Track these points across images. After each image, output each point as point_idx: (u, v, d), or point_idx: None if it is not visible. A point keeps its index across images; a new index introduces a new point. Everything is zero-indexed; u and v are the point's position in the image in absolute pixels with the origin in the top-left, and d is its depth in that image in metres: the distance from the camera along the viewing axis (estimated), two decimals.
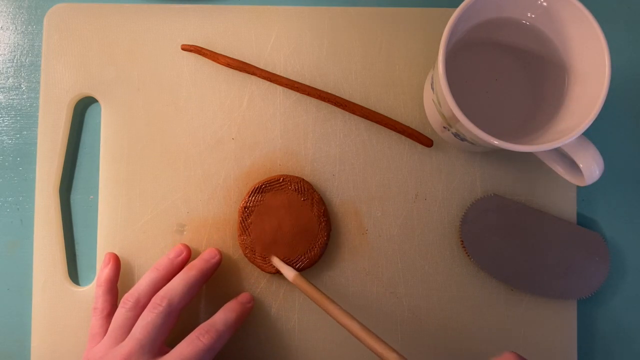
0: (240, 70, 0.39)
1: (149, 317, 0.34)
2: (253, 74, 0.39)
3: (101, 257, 0.39)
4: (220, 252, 0.38)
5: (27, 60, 0.41)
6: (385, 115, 0.39)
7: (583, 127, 0.29)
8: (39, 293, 0.39)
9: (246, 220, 0.38)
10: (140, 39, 0.40)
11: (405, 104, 0.39)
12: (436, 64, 0.30)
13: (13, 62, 0.41)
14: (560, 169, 0.35)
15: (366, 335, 0.31)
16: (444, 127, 0.36)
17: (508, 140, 0.30)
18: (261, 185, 0.38)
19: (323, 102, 0.39)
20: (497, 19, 0.33)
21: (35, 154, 0.40)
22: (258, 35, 0.40)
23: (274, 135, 0.39)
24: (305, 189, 0.38)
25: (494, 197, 0.39)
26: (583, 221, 0.40)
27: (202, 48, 0.39)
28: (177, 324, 0.36)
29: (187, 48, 0.39)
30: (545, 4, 0.32)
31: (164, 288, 0.35)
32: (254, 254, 0.38)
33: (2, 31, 0.41)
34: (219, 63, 0.39)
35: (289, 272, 0.36)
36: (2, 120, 0.41)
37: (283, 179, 0.38)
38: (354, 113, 0.39)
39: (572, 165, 0.33)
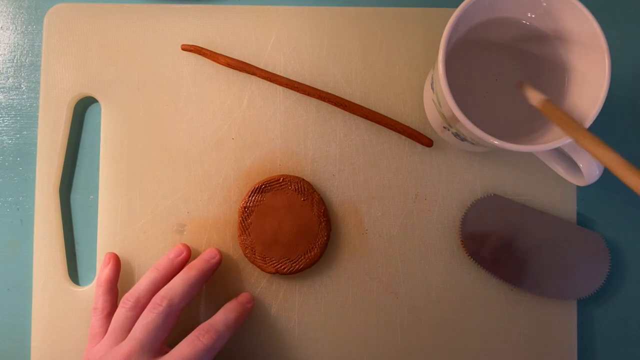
0: (240, 70, 0.39)
1: (149, 317, 0.34)
2: (253, 74, 0.39)
3: (101, 257, 0.39)
4: (220, 252, 0.38)
5: (27, 60, 0.41)
6: (385, 115, 0.39)
7: None
8: (39, 293, 0.39)
9: (246, 220, 0.38)
10: (140, 39, 0.40)
11: (405, 104, 0.39)
12: (436, 64, 0.30)
13: (13, 62, 0.41)
14: (560, 169, 0.35)
15: (627, 168, 0.25)
16: (444, 127, 0.36)
17: (508, 140, 0.30)
18: (261, 185, 0.38)
19: (323, 102, 0.39)
20: (497, 19, 0.33)
21: (35, 154, 0.40)
22: (258, 35, 0.40)
23: (274, 135, 0.39)
24: (305, 189, 0.38)
25: (494, 197, 0.39)
26: (583, 221, 0.40)
27: (202, 48, 0.39)
28: (177, 324, 0.35)
29: (187, 48, 0.39)
30: (545, 4, 0.32)
31: (164, 288, 0.35)
32: (254, 254, 0.38)
33: (2, 31, 0.41)
34: (219, 63, 0.39)
35: (535, 96, 0.31)
36: (2, 120, 0.41)
37: (283, 179, 0.38)
38: (354, 113, 0.39)
39: (572, 165, 0.33)
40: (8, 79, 0.41)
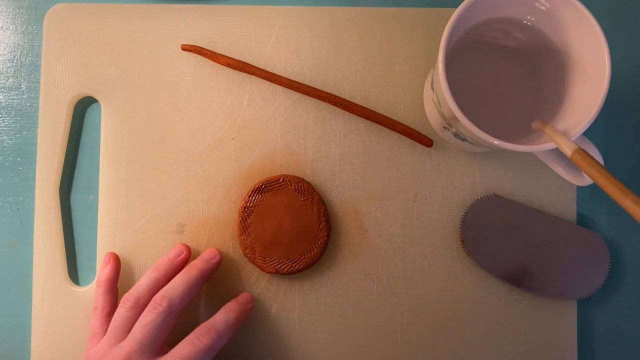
0: (240, 70, 0.39)
1: (149, 317, 0.34)
2: (253, 74, 0.39)
3: (101, 257, 0.39)
4: (220, 252, 0.38)
5: (27, 60, 0.41)
6: (385, 115, 0.39)
7: (583, 127, 0.29)
8: (39, 293, 0.39)
9: (246, 220, 0.38)
10: (140, 39, 0.40)
11: (405, 104, 0.39)
12: (436, 64, 0.30)
13: (13, 62, 0.41)
14: (560, 169, 0.35)
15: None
16: (444, 127, 0.36)
17: (508, 140, 0.30)
18: (261, 185, 0.38)
19: (323, 102, 0.39)
20: (497, 19, 0.33)
21: (35, 154, 0.40)
22: (258, 35, 0.40)
23: (274, 135, 0.39)
24: (305, 189, 0.38)
25: (494, 197, 0.39)
26: (583, 221, 0.40)
27: (202, 48, 0.39)
28: (177, 324, 0.35)
29: (187, 48, 0.39)
30: (545, 4, 0.32)
31: (164, 288, 0.35)
32: (254, 254, 0.38)
33: (2, 31, 0.41)
34: (219, 63, 0.39)
35: (567, 145, 0.29)
36: (2, 120, 0.41)
37: (283, 179, 0.38)
38: (354, 113, 0.39)
39: (572, 165, 0.33)
40: (8, 79, 0.41)
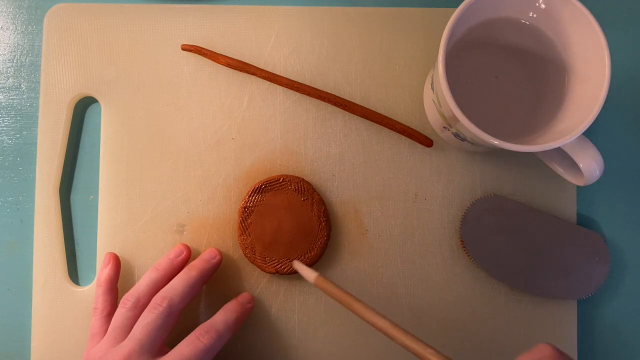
0: (240, 70, 0.39)
1: (149, 317, 0.34)
2: (253, 74, 0.39)
3: (101, 257, 0.39)
4: (220, 253, 0.38)
5: (27, 60, 0.41)
6: (385, 115, 0.39)
7: (583, 127, 0.29)
8: (39, 293, 0.39)
9: (246, 220, 0.38)
10: (140, 39, 0.40)
11: (405, 104, 0.39)
12: (436, 64, 0.30)
13: (13, 62, 0.41)
14: (560, 169, 0.35)
15: (399, 333, 0.30)
16: (444, 127, 0.36)
17: (508, 140, 0.30)
18: (261, 185, 0.38)
19: (323, 102, 0.39)
20: (497, 19, 0.33)
21: (35, 154, 0.40)
22: (258, 35, 0.40)
23: (274, 135, 0.39)
24: (305, 189, 0.38)
25: (494, 197, 0.39)
26: (583, 221, 0.40)
27: (202, 48, 0.39)
28: (177, 324, 0.35)
29: (187, 48, 0.39)
30: (545, 4, 0.32)
31: (164, 288, 0.35)
32: (254, 254, 0.38)
33: (2, 31, 0.41)
34: (219, 63, 0.39)
35: (310, 275, 0.35)
36: (2, 120, 0.41)
37: (283, 179, 0.38)
38: (354, 113, 0.39)
39: (572, 165, 0.33)
40: (8, 79, 0.41)
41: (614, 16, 0.41)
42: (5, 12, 0.41)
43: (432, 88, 0.34)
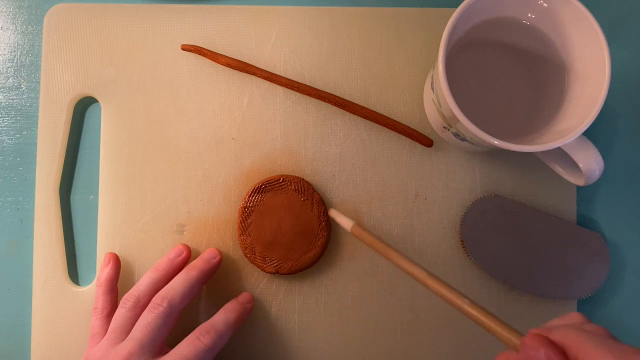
0: (240, 70, 0.39)
1: (149, 317, 0.34)
2: (253, 74, 0.39)
3: (101, 257, 0.39)
4: (220, 253, 0.38)
5: (27, 60, 0.41)
6: (385, 115, 0.39)
7: (583, 127, 0.29)
8: (39, 293, 0.39)
9: (246, 220, 0.38)
10: (140, 39, 0.40)
11: (405, 104, 0.39)
12: (436, 64, 0.30)
13: (13, 62, 0.41)
14: (560, 169, 0.35)
15: (434, 282, 0.29)
16: (444, 127, 0.36)
17: (508, 140, 0.30)
18: (261, 185, 0.38)
19: (323, 102, 0.39)
20: (497, 19, 0.33)
21: (35, 154, 0.40)
22: (258, 35, 0.40)
23: (274, 135, 0.39)
24: (305, 189, 0.38)
25: (494, 197, 0.39)
26: (583, 221, 0.40)
27: (202, 48, 0.39)
28: (177, 324, 0.35)
29: (187, 48, 0.39)
30: (545, 4, 0.32)
31: (165, 288, 0.35)
32: (254, 254, 0.38)
33: (2, 31, 0.41)
34: (219, 63, 0.39)
35: (347, 223, 0.35)
36: (2, 120, 0.41)
37: (283, 179, 0.38)
38: (354, 113, 0.39)
39: (572, 165, 0.33)
40: (8, 79, 0.41)
41: (614, 16, 0.41)
42: (5, 12, 0.41)
43: (432, 88, 0.34)
